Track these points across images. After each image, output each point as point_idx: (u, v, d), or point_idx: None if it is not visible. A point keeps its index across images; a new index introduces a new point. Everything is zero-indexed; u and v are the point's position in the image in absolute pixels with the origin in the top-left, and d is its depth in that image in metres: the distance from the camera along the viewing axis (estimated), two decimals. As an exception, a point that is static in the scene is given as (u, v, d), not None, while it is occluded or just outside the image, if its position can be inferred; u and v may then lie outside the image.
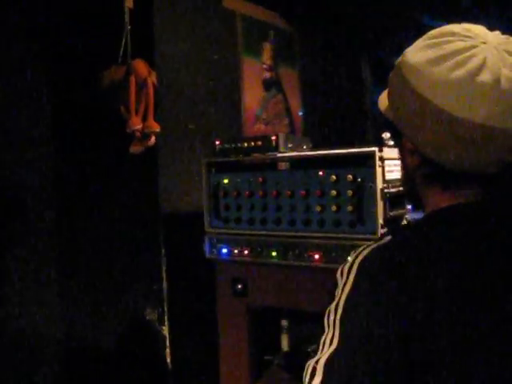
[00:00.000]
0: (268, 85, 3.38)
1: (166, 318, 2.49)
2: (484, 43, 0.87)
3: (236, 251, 2.27)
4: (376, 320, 0.78)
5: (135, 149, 2.16)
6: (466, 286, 0.80)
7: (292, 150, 2.18)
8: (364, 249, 0.90)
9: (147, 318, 2.51)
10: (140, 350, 2.57)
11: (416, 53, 0.91)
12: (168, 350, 2.48)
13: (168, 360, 2.48)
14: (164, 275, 2.49)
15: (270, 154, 2.18)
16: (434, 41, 0.90)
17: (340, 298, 0.84)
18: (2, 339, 2.41)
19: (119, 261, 2.57)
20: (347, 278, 0.85)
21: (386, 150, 1.87)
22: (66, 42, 2.61)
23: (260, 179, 2.18)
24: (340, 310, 0.82)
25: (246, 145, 2.27)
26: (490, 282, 0.81)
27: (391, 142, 1.94)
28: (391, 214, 1.86)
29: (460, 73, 0.84)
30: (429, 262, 0.82)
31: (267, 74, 3.38)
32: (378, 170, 1.83)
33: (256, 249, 2.17)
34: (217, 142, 2.32)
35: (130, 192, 2.54)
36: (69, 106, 2.69)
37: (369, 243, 0.91)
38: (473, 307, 0.79)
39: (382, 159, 1.84)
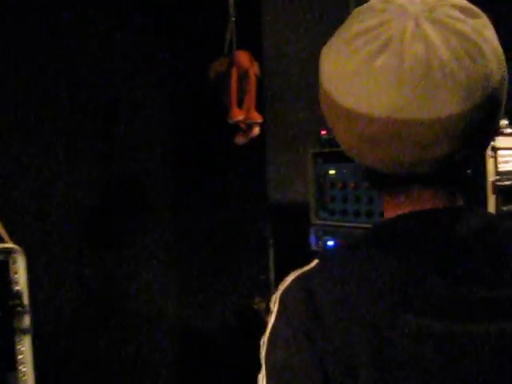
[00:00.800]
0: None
1: (273, 307, 2.50)
2: (402, 15, 0.69)
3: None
4: (293, 354, 0.71)
5: (239, 140, 2.18)
6: (384, 311, 0.69)
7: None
8: (289, 276, 0.79)
9: (255, 307, 2.53)
10: (247, 338, 2.61)
11: (330, 40, 0.75)
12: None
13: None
14: (272, 265, 2.50)
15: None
16: (347, 22, 0.74)
17: (266, 331, 0.76)
18: (119, 319, 2.56)
19: (228, 251, 2.62)
20: (273, 309, 0.77)
21: (499, 138, 1.72)
22: (181, 35, 2.69)
23: (365, 170, 2.10)
24: (265, 346, 0.75)
25: (351, 134, 2.20)
26: (412, 303, 0.69)
27: (508, 130, 1.78)
28: (505, 208, 1.72)
29: (356, 59, 0.69)
30: (347, 291, 0.71)
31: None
32: (489, 161, 1.69)
33: (361, 242, 2.10)
34: (322, 132, 2.27)
35: (238, 183, 2.57)
36: (185, 97, 2.78)
37: (297, 270, 0.79)
38: (385, 334, 0.68)
39: (494, 149, 1.70)
